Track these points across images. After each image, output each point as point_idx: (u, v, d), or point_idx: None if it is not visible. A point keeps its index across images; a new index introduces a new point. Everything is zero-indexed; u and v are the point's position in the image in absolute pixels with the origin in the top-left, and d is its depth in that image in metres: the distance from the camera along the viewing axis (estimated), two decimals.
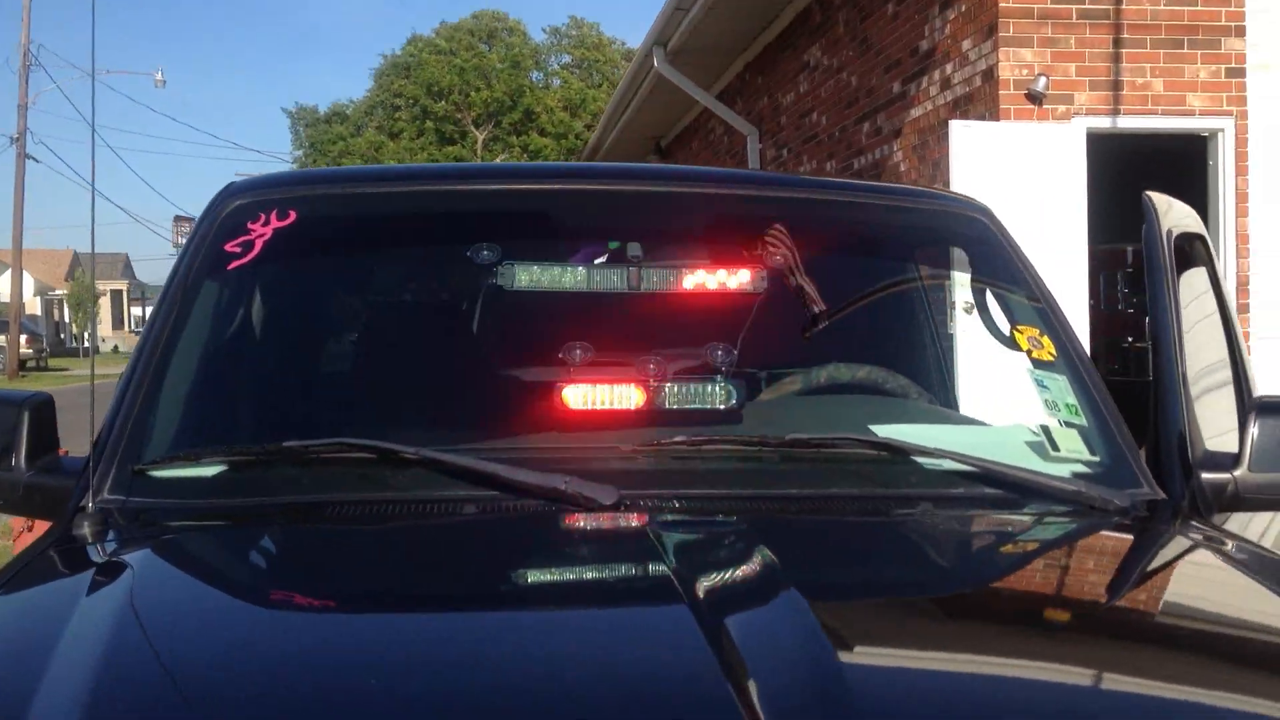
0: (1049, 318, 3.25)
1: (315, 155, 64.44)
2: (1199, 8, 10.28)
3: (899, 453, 2.81)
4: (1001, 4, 10.24)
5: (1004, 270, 3.36)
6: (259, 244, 3.26)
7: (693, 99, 18.06)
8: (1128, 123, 10.27)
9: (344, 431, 2.79)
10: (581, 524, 2.56)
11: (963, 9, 10.91)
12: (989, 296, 3.41)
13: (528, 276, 3.17)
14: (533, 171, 3.80)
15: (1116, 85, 10.28)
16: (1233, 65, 10.29)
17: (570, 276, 3.18)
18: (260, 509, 2.67)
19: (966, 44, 10.86)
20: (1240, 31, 10.29)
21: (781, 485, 2.75)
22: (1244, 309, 10.33)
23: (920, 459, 2.82)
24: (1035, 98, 10.18)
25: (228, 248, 3.24)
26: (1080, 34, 10.30)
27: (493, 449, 2.87)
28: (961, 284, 3.52)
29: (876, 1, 12.85)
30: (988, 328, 3.44)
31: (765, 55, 16.70)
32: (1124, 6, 10.31)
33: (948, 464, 2.80)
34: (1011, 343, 3.26)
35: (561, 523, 2.57)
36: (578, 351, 3.00)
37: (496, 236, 3.23)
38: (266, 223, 3.30)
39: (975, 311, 3.48)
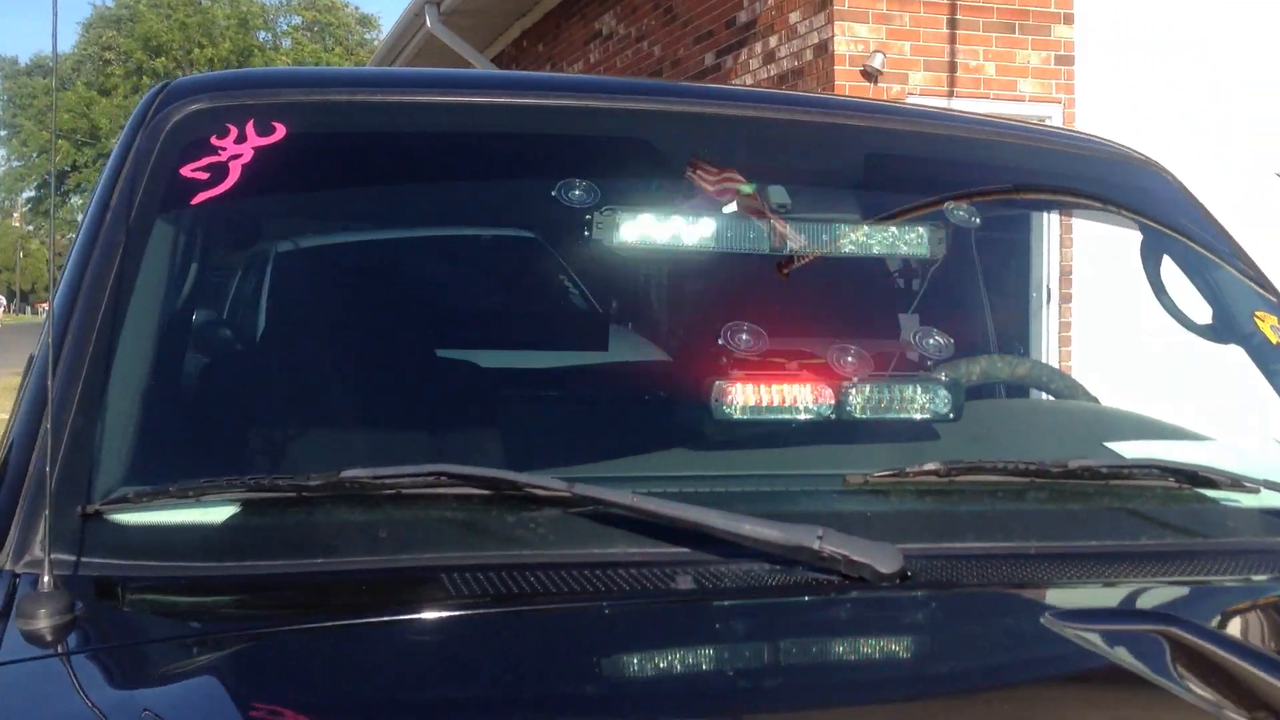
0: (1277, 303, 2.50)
1: (15, 110, 59.57)
2: (1029, 22, 9.95)
3: (1204, 483, 1.99)
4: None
5: (1206, 240, 2.59)
6: (235, 169, 2.19)
7: (469, 65, 16.92)
8: (961, 105, 9.82)
9: (410, 452, 1.79)
10: (864, 610, 1.63)
11: None
12: (1188, 271, 2.63)
13: (638, 229, 2.20)
14: (636, 89, 2.78)
15: (951, 67, 9.85)
16: (1061, 52, 10.01)
17: (697, 231, 2.22)
18: (326, 585, 1.64)
19: (795, 16, 10.22)
20: (1069, 19, 10.02)
21: (1090, 535, 1.89)
22: (1067, 298, 10.09)
23: (1225, 493, 2.01)
24: (871, 75, 9.63)
25: (186, 172, 2.15)
26: (915, 12, 9.81)
27: (634, 477, 1.91)
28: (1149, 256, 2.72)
29: None
30: (1177, 314, 2.67)
31: (547, 21, 15.74)
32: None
33: (1265, 498, 2.00)
34: (1237, 332, 2.49)
35: (830, 607, 1.64)
36: (744, 336, 2.05)
37: (590, 172, 2.25)
38: (241, 138, 2.22)
39: (1161, 294, 2.70)
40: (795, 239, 2.23)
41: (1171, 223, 2.64)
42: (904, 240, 2.30)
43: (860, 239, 2.28)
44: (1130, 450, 2.19)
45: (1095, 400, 2.66)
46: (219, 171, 2.16)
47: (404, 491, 1.74)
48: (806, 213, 2.29)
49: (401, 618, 1.60)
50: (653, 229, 2.22)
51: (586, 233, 2.19)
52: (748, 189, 2.34)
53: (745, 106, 2.42)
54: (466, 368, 2.40)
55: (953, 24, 9.85)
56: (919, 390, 2.09)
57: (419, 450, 2.02)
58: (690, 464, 2.03)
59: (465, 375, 2.35)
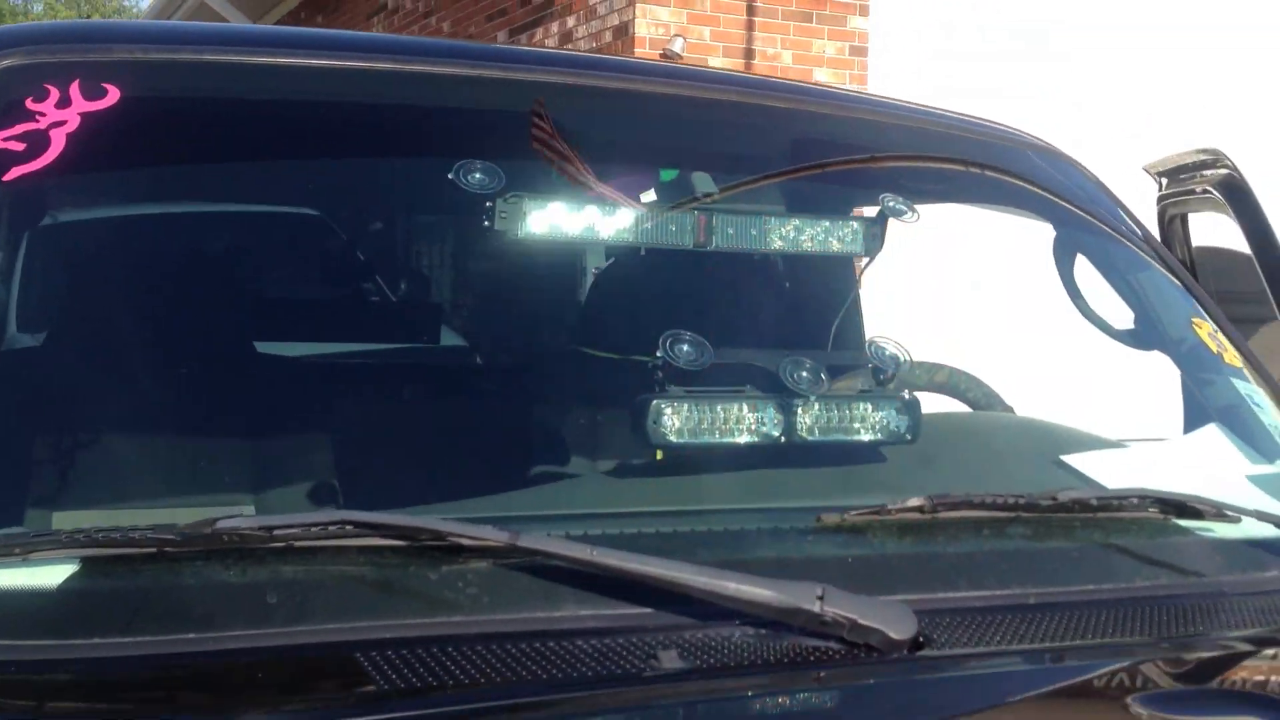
0: (1209, 307, 2.33)
1: None
2: (827, 11, 9.92)
3: (1190, 513, 1.79)
4: None
5: (1127, 234, 2.41)
6: (56, 138, 1.78)
7: None
8: None
9: (308, 497, 1.47)
10: (881, 688, 1.36)
11: None
12: (1105, 271, 2.45)
13: (547, 219, 1.88)
14: (548, 59, 2.41)
15: (749, 54, 9.73)
16: (856, 44, 10.00)
17: (615, 222, 1.91)
18: (198, 671, 1.29)
19: None
20: (864, 10, 10.02)
21: (1088, 579, 1.66)
22: None
23: (1209, 524, 1.82)
24: (671, 58, 9.43)
25: None
26: None
27: (559, 516, 1.60)
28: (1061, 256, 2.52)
29: None
30: (1094, 318, 2.48)
31: None
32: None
33: (1247, 528, 1.82)
34: (1164, 338, 2.32)
35: (836, 684, 1.36)
36: (685, 347, 1.75)
37: (489, 153, 1.90)
38: (64, 102, 1.81)
39: (1076, 296, 2.50)
40: (725, 233, 1.94)
41: (1087, 218, 2.45)
42: (837, 235, 2.03)
43: (791, 234, 2.00)
44: (1084, 466, 1.98)
45: (1011, 409, 2.46)
46: (37, 142, 1.74)
47: (297, 545, 1.38)
48: (733, 202, 1.99)
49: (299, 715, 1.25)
50: (565, 219, 1.88)
51: (487, 222, 1.85)
52: (669, 175, 2.03)
53: (661, 82, 2.10)
54: (324, 376, 2.03)
55: (752, 11, 9.73)
56: (876, 409, 1.83)
57: (288, 482, 1.66)
58: (625, 498, 1.72)
59: (325, 389, 1.99)
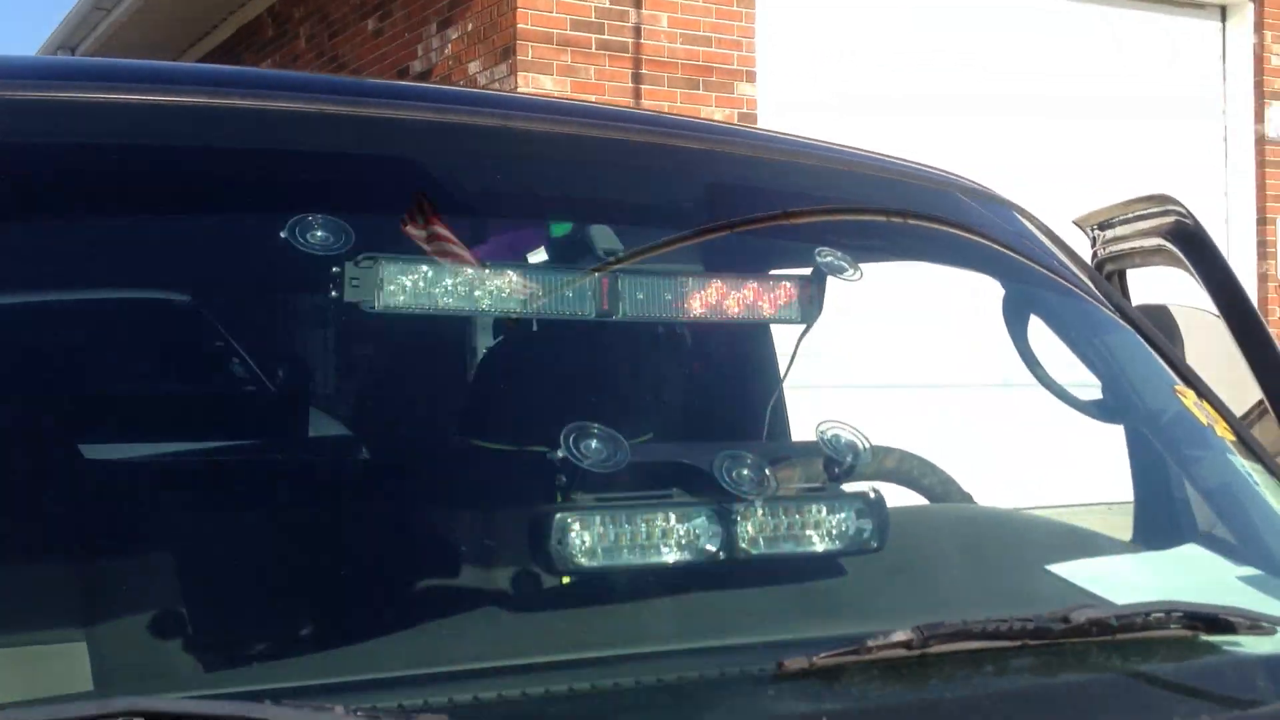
0: (1189, 373, 2.00)
1: None
2: (713, 49, 9.71)
3: (1222, 627, 1.44)
4: (519, 25, 9.12)
5: (1087, 291, 2.08)
6: None
7: None
8: None
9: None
10: None
11: (469, 29, 9.67)
12: (1063, 333, 2.11)
13: (411, 287, 1.49)
14: (411, 93, 2.00)
15: None
16: (745, 110, 9.79)
17: (490, 288, 1.53)
18: None
19: (474, 66, 9.61)
20: (751, 77, 9.83)
21: (1116, 717, 1.28)
22: None
23: (1242, 637, 1.46)
24: None
25: None
26: (600, 65, 9.39)
27: (446, 674, 1.19)
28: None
29: (351, 18, 11.32)
30: (1054, 387, 2.14)
31: (209, 61, 14.55)
32: (642, 41, 9.53)
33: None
34: (1138, 409, 1.98)
35: None
36: (594, 443, 1.36)
37: (337, 205, 1.51)
38: None
39: (1032, 364, 2.16)
40: (634, 299, 1.56)
41: (1043, 273, 2.12)
42: (769, 298, 1.66)
43: (713, 298, 1.62)
44: (1078, 572, 1.63)
45: (970, 497, 2.09)
46: None
47: None
48: (641, 262, 1.61)
49: None
50: (433, 287, 1.49)
51: (334, 292, 1.45)
52: (561, 230, 1.65)
53: (559, 121, 1.71)
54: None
55: (638, 78, 9.49)
56: (834, 511, 1.45)
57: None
58: (522, 645, 1.32)
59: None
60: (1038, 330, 2.19)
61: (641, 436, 1.46)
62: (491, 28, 9.43)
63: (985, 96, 10.15)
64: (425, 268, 1.49)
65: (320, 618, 1.46)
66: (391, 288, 1.47)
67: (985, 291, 2.20)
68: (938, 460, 2.09)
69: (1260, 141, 11.10)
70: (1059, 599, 1.46)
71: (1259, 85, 11.08)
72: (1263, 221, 11.21)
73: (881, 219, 1.99)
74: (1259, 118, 11.09)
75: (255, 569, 1.57)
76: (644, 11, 9.65)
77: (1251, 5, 11.02)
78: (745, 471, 1.40)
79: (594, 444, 1.36)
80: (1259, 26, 11.05)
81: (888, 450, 1.99)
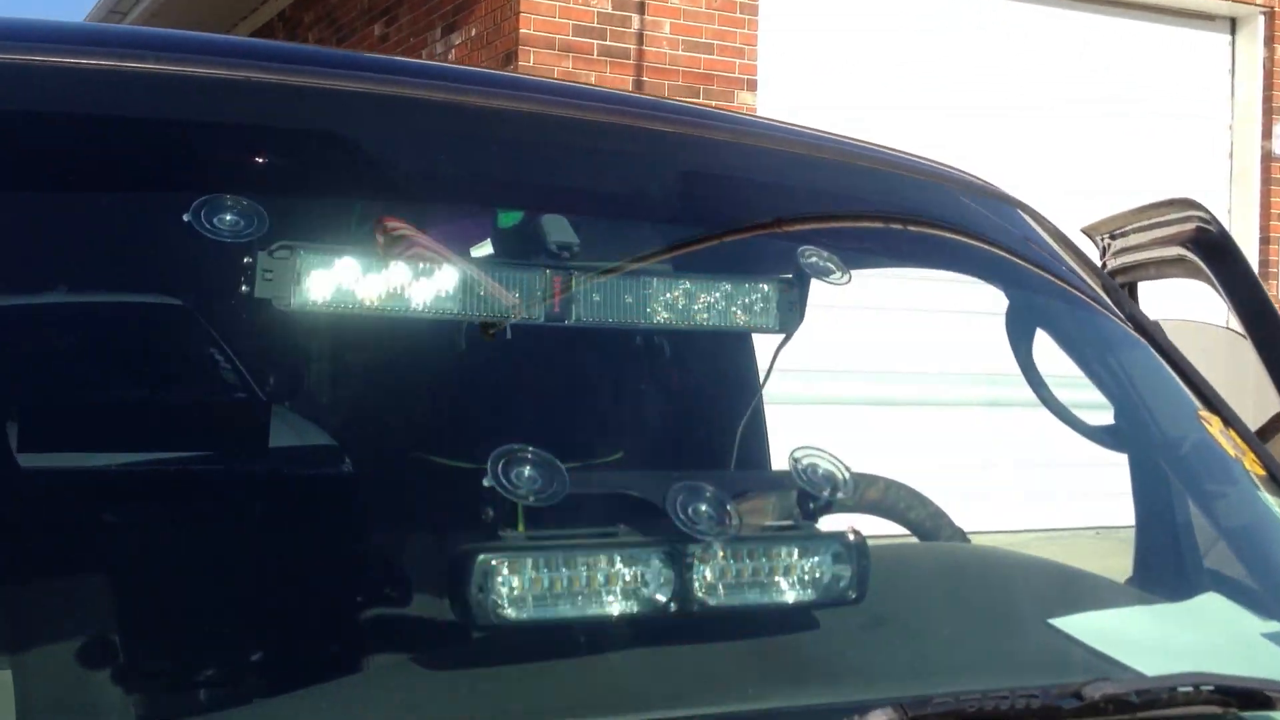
0: (1216, 399, 1.78)
1: None
2: (715, 56, 9.52)
3: (1259, 701, 1.22)
4: (522, 30, 8.94)
5: (1102, 304, 1.86)
6: None
7: None
8: None
9: None
10: None
11: (472, 34, 9.49)
12: (1074, 352, 1.89)
13: (332, 282, 1.28)
14: (344, 61, 1.78)
15: None
16: None
17: (432, 285, 1.31)
18: None
19: None
20: (752, 85, 9.63)
21: None
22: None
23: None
24: None
25: None
26: (601, 71, 9.20)
27: None
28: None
29: (359, 23, 11.17)
30: (1061, 411, 1.92)
31: None
32: (644, 48, 9.35)
33: None
34: (1155, 436, 1.76)
35: None
36: (527, 470, 1.14)
37: (251, 184, 1.31)
38: None
39: (1038, 385, 1.94)
40: (589, 301, 1.34)
41: (1052, 281, 1.90)
42: (742, 303, 1.44)
43: (680, 302, 1.40)
44: (1086, 628, 1.40)
45: (962, 533, 1.87)
46: None
47: None
48: (598, 257, 1.40)
49: None
50: (359, 282, 1.28)
51: (244, 286, 1.24)
52: (510, 219, 1.43)
53: (510, 96, 1.48)
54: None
55: (639, 85, 9.31)
56: (807, 554, 1.22)
57: None
58: (438, 713, 1.10)
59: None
60: (1044, 345, 1.97)
61: (587, 462, 1.25)
62: (495, 33, 9.25)
63: (988, 106, 9.94)
64: (350, 259, 1.28)
65: (222, 665, 1.25)
66: (309, 283, 1.26)
67: (984, 301, 1.98)
68: (923, 485, 1.87)
69: (1267, 158, 10.86)
70: (1066, 662, 1.24)
71: (1268, 100, 10.84)
72: (1266, 241, 10.95)
73: (870, 222, 1.77)
74: (1266, 134, 10.85)
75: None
76: (646, 18, 9.48)
77: (1262, 18, 10.79)
78: (703, 507, 1.18)
79: (527, 471, 1.14)
80: (1270, 40, 10.82)
81: (872, 479, 1.77)
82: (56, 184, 1.28)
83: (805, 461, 1.29)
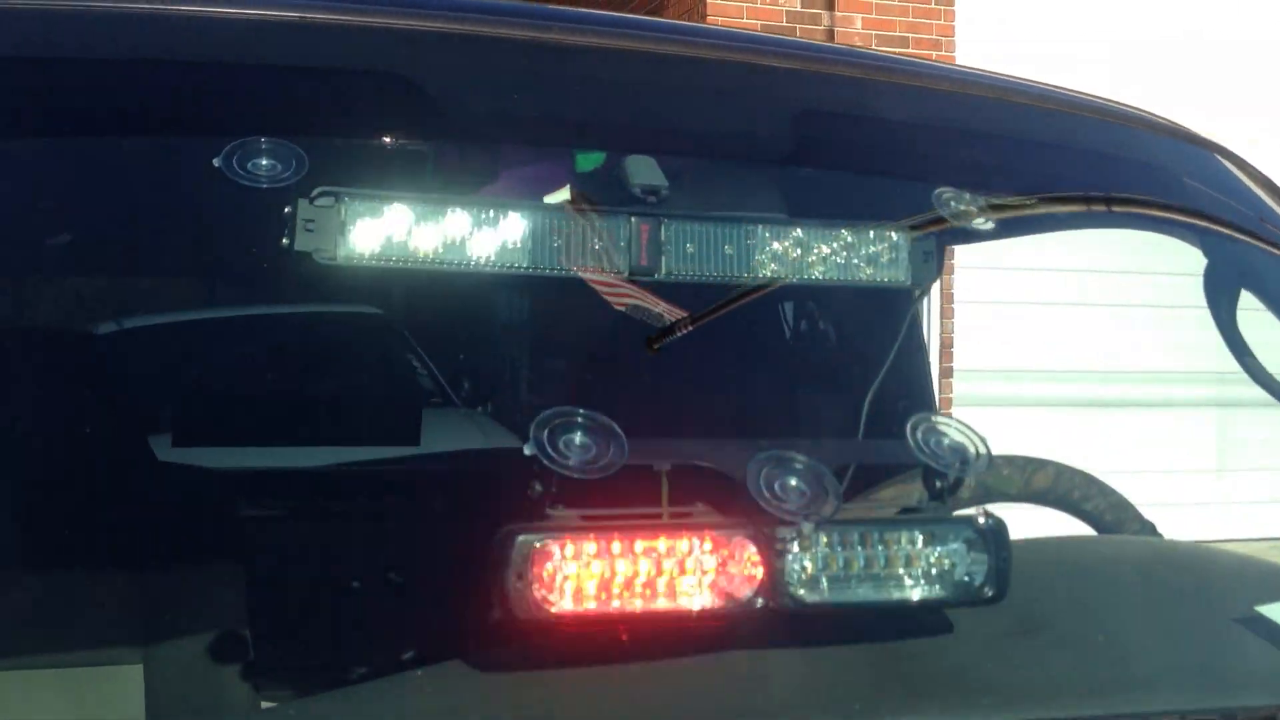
0: None
1: None
2: (910, 50, 9.23)
3: None
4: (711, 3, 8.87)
5: None
6: None
7: None
8: None
9: None
10: None
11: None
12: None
13: (382, 232, 1.12)
14: None
15: None
16: None
17: (497, 237, 1.14)
18: None
19: None
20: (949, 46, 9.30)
21: None
22: (947, 373, 9.26)
23: None
24: None
25: None
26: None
27: None
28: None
29: None
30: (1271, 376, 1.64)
31: None
32: (835, 44, 9.13)
33: None
34: None
35: None
36: (579, 437, 0.95)
37: (289, 126, 1.16)
38: None
39: (1242, 352, 1.67)
40: (681, 251, 1.16)
41: (1257, 237, 1.63)
42: (866, 255, 1.23)
43: (789, 252, 1.20)
44: None
45: (1153, 527, 1.60)
46: None
47: None
48: (697, 206, 1.20)
49: None
50: (413, 233, 1.12)
51: (285, 238, 1.09)
52: (590, 162, 1.26)
53: (580, 30, 1.30)
54: None
55: None
56: (931, 544, 1.00)
57: None
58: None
59: None
60: (1251, 310, 1.69)
61: (662, 432, 1.05)
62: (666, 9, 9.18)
63: (1202, 95, 9.34)
64: (400, 207, 1.12)
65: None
66: (356, 234, 1.10)
67: (1179, 261, 1.71)
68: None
69: None
70: (1262, 679, 0.98)
71: None
72: None
73: (1033, 168, 1.53)
74: None
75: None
76: (837, 14, 9.25)
77: None
78: (794, 482, 0.97)
79: (578, 438, 0.96)
80: None
81: (1040, 463, 1.52)
82: (75, 129, 1.16)
83: (926, 431, 1.07)
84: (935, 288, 8.89)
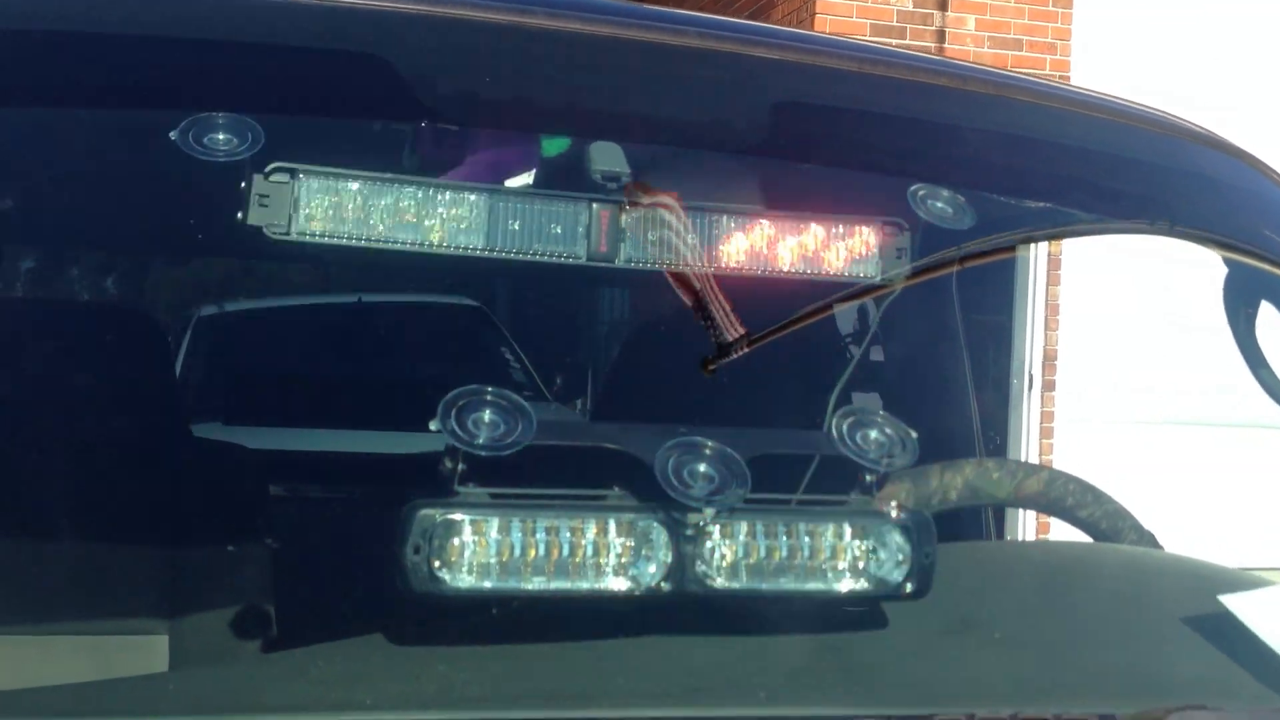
0: None
1: None
2: (1024, 54, 9.08)
3: None
4: (818, 31, 8.76)
5: None
6: None
7: None
8: None
9: None
10: None
11: None
12: None
13: (336, 211, 1.14)
14: None
15: None
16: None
17: (446, 217, 1.16)
18: None
19: None
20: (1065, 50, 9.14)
21: None
22: (1050, 385, 9.07)
23: None
24: None
25: None
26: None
27: None
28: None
29: None
30: None
31: None
32: (946, 46, 9.03)
33: None
34: None
35: None
36: (488, 415, 0.96)
37: (244, 99, 1.19)
38: None
39: (1260, 367, 1.62)
40: (641, 240, 1.16)
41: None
42: (834, 249, 1.22)
43: (744, 242, 1.19)
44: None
45: (1153, 538, 1.55)
46: None
47: None
48: (651, 196, 1.20)
49: None
50: (366, 212, 1.14)
51: (240, 214, 1.12)
52: (556, 147, 1.26)
53: (553, 14, 1.31)
54: None
55: None
56: (852, 536, 0.99)
57: None
58: (359, 704, 0.94)
59: None
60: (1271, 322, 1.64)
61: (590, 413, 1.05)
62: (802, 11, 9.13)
63: None
64: (356, 185, 1.14)
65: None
66: (307, 212, 1.13)
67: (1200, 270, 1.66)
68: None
69: None
70: (1170, 683, 0.95)
71: None
72: None
73: (1045, 168, 1.51)
74: None
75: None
76: (949, 14, 9.12)
77: None
78: (702, 468, 0.97)
79: (488, 416, 0.96)
80: None
81: (1033, 469, 1.50)
82: (54, 100, 1.20)
83: (851, 422, 1.06)
84: (1040, 299, 8.73)
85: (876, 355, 1.65)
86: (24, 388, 1.42)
